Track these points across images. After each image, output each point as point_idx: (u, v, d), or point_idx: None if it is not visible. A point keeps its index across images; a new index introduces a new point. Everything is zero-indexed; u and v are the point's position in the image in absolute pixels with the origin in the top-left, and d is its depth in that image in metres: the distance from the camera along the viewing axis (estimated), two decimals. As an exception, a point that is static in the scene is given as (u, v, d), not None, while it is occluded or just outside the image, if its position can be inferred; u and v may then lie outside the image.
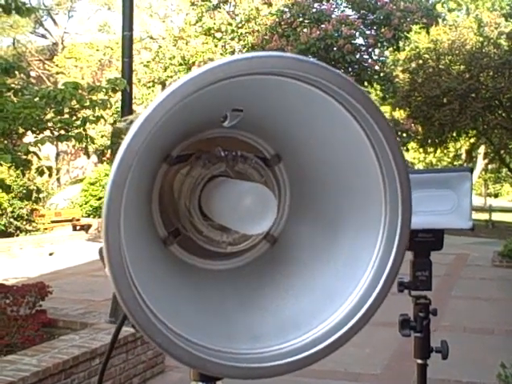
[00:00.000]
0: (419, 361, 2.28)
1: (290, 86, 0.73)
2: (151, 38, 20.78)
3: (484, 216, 23.14)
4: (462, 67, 19.33)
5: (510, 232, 13.69)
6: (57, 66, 23.07)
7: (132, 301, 0.64)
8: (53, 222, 17.23)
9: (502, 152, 24.01)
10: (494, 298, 8.87)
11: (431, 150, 23.95)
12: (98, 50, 23.17)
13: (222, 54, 17.68)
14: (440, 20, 21.27)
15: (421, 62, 19.93)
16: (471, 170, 2.07)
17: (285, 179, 0.89)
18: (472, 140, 25.84)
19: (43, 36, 27.71)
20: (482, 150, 28.58)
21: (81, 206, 18.78)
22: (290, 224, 0.88)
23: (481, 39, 19.38)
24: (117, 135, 0.98)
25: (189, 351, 0.68)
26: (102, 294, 8.36)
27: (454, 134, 22.03)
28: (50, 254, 13.87)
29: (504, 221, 22.21)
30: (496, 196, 46.02)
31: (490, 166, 33.47)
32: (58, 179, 22.94)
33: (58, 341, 4.83)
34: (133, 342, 5.10)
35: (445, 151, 25.89)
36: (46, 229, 16.55)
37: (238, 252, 0.87)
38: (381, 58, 17.76)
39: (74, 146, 19.81)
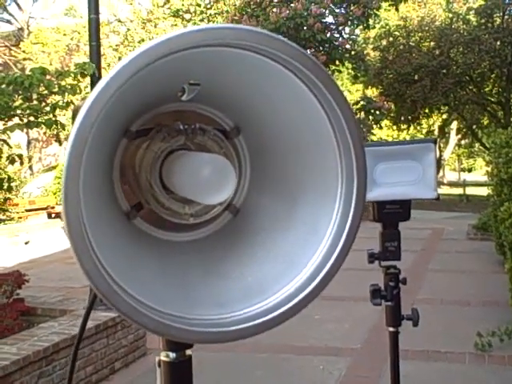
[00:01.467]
0: (391, 329, 2.33)
1: (247, 58, 0.74)
2: (119, 21, 20.48)
3: (458, 191, 23.45)
4: (432, 44, 19.47)
5: (484, 205, 13.87)
6: (23, 52, 22.64)
7: (94, 271, 0.65)
8: (27, 210, 17.06)
9: (474, 127, 24.32)
10: (469, 271, 9.01)
11: (404, 127, 24.15)
12: (65, 35, 22.78)
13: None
14: (409, -4, 21.29)
15: (391, 39, 20.03)
16: (435, 141, 2.11)
17: (245, 151, 0.91)
18: (444, 116, 26.11)
19: (8, 21, 27.14)
20: (454, 125, 28.89)
21: (55, 194, 18.58)
22: (252, 195, 0.90)
23: (450, 15, 19.54)
24: (76, 115, 0.98)
25: (153, 318, 0.69)
26: (80, 281, 8.29)
27: (427, 111, 22.24)
28: (26, 243, 13.74)
29: (478, 195, 22.47)
30: (470, 171, 46.60)
31: (462, 142, 33.85)
32: (31, 167, 22.65)
33: (38, 328, 4.79)
34: (113, 326, 5.09)
35: (418, 128, 26.12)
36: (20, 218, 16.38)
37: (201, 223, 0.88)
38: (351, 37, 17.72)
39: (45, 134, 19.55)
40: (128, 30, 19.18)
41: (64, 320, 5.01)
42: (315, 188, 0.84)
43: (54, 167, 20.89)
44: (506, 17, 19.41)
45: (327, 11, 16.51)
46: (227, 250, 0.88)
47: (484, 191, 17.45)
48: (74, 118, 1.15)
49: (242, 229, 0.90)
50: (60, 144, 18.38)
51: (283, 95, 0.80)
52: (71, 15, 25.82)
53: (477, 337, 5.46)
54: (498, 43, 18.81)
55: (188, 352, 0.83)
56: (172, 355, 0.82)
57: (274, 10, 16.38)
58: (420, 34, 19.84)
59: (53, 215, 17.87)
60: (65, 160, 0.62)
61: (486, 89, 21.57)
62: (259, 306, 0.78)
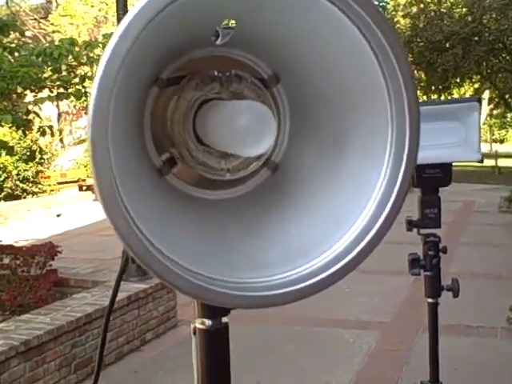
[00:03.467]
0: (430, 300, 2.26)
1: None
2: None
3: (490, 162, 23.05)
4: (464, 10, 19.00)
5: (517, 176, 13.65)
6: (52, 24, 22.70)
7: (126, 229, 0.61)
8: (59, 183, 17.26)
9: (507, 96, 23.75)
10: (501, 244, 8.89)
11: (435, 96, 23.72)
12: (92, 6, 22.76)
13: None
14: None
15: (422, 6, 19.59)
16: (479, 100, 2.01)
17: (284, 101, 0.84)
18: (476, 85, 25.56)
19: (37, -6, 27.20)
20: (486, 95, 28.29)
21: (85, 167, 18.74)
22: (292, 149, 0.84)
23: (483, -20, 18.95)
24: None
25: (189, 280, 0.64)
26: (111, 253, 8.35)
27: (458, 80, 21.79)
28: (58, 216, 13.93)
29: (510, 166, 22.13)
30: (502, 142, 45.72)
31: (495, 112, 33.19)
32: (62, 140, 22.86)
33: (71, 299, 4.87)
34: (144, 297, 5.15)
35: (449, 97, 25.63)
36: (52, 190, 16.58)
37: (239, 180, 0.83)
38: (381, 4, 17.39)
39: (75, 107, 19.69)
40: (155, 0, 19.08)
41: (96, 291, 5.08)
42: (363, 139, 0.77)
43: (84, 140, 21.05)
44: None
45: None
46: (266, 208, 0.82)
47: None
48: None
49: (281, 186, 0.84)
50: (89, 116, 18.47)
51: (328, 36, 0.74)
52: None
53: (509, 311, 5.39)
54: (534, 8, 18.27)
55: (224, 319, 0.78)
56: (208, 322, 0.78)
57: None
58: (452, 0, 19.36)
59: (84, 188, 18.05)
60: (90, 106, 0.57)
61: (521, 57, 21.04)
62: (302, 269, 0.73)
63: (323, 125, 0.82)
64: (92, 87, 0.58)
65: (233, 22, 0.74)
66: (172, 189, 0.80)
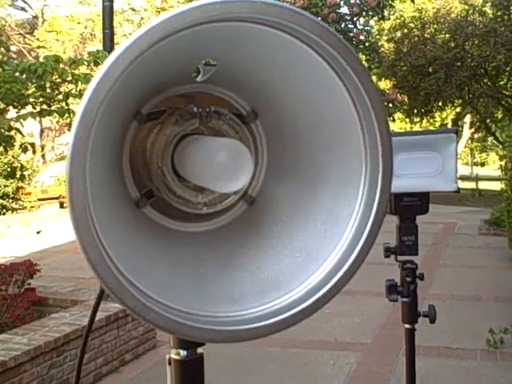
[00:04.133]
0: (407, 325, 2.28)
1: (264, 34, 0.69)
2: (133, 9, 20.44)
3: (471, 185, 23.26)
4: (448, 36, 19.28)
5: (497, 200, 13.77)
6: (38, 39, 22.66)
7: (100, 263, 0.61)
8: (39, 199, 17.10)
9: (488, 121, 24.10)
10: (481, 266, 8.95)
11: (417, 119, 23.98)
12: (79, 23, 22.78)
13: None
14: (425, -12, 21.09)
15: (406, 31, 19.86)
16: (456, 132, 2.04)
17: (262, 136, 0.85)
18: (458, 109, 25.88)
19: (23, 9, 27.14)
20: (467, 119, 28.65)
21: (67, 183, 18.64)
22: (268, 183, 0.85)
23: (466, 7, 19.30)
24: None
25: (164, 315, 0.64)
26: (91, 271, 8.31)
27: (440, 104, 22.06)
28: (38, 233, 13.79)
29: (490, 189, 22.32)
30: (482, 165, 46.20)
31: (476, 135, 33.57)
32: (43, 156, 22.72)
33: (49, 319, 4.81)
34: (123, 317, 5.09)
35: (431, 121, 25.92)
36: (32, 207, 16.43)
37: (215, 213, 0.84)
38: (366, 28, 17.61)
39: (58, 122, 19.60)
40: (142, 18, 19.14)
41: (75, 311, 5.02)
42: (337, 175, 0.78)
43: (66, 156, 20.90)
44: (522, 9, 19.18)
45: (342, 1, 16.39)
46: (242, 241, 0.83)
47: (496, 186, 17.33)
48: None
49: (257, 219, 0.85)
50: (72, 133, 18.39)
51: (304, 75, 0.75)
52: (86, 3, 25.76)
53: (489, 333, 5.42)
54: (514, 36, 18.59)
55: (199, 350, 0.79)
56: (183, 353, 0.78)
57: None
58: (435, 26, 19.63)
59: (65, 205, 17.90)
60: (69, 142, 0.58)
61: (501, 82, 21.33)
62: (275, 303, 0.73)
63: (298, 162, 0.83)
64: (74, 121, 0.59)
65: (213, 60, 0.75)
66: (148, 221, 0.81)
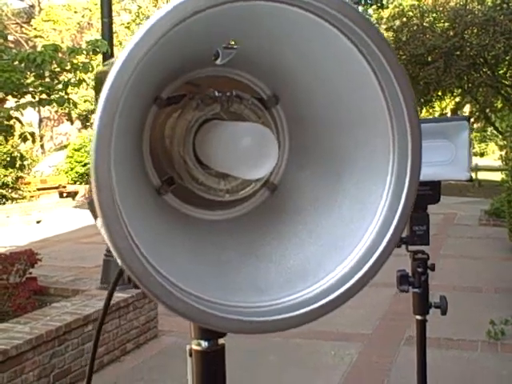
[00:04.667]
0: (418, 317, 2.26)
1: (286, 13, 0.66)
2: (130, -2, 20.37)
3: (470, 175, 23.20)
4: (447, 24, 19.21)
5: (497, 191, 13.77)
6: (35, 29, 22.54)
7: (127, 250, 0.59)
8: (39, 189, 17.10)
9: (488, 110, 24.05)
10: (481, 257, 8.96)
11: (417, 109, 23.89)
12: (76, 12, 22.66)
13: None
14: (424, -23, 21.01)
15: (405, 19, 19.77)
16: (468, 120, 2.01)
17: (283, 121, 0.83)
18: (457, 99, 25.85)
19: (20, -2, 26.99)
20: (467, 108, 28.61)
21: (66, 173, 18.62)
22: (291, 169, 0.83)
23: (465, -5, 19.21)
24: (101, 81, 0.93)
25: (190, 304, 0.63)
26: (91, 261, 8.34)
27: (440, 93, 22.00)
28: (38, 222, 13.79)
29: (490, 179, 22.29)
30: (482, 155, 46.13)
31: (475, 125, 33.57)
32: (42, 146, 22.68)
33: (50, 308, 4.80)
34: (125, 307, 5.09)
35: (430, 111, 25.88)
36: (32, 196, 16.42)
37: (237, 201, 0.82)
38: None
39: (56, 112, 19.55)
40: (139, 7, 19.05)
41: (76, 300, 5.02)
42: (363, 163, 0.76)
43: (65, 146, 20.90)
44: (522, -2, 19.12)
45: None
46: (266, 230, 0.81)
47: (496, 176, 17.33)
48: (97, 83, 1.08)
49: (280, 207, 0.83)
50: (72, 123, 18.36)
51: (328, 58, 0.73)
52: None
53: (489, 325, 5.43)
54: (514, 25, 18.54)
55: (221, 341, 0.78)
56: (204, 344, 0.77)
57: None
58: (434, 15, 19.56)
59: (64, 194, 17.91)
60: (94, 128, 0.56)
61: (501, 71, 21.28)
62: (302, 293, 0.71)
63: (321, 147, 0.81)
64: (96, 111, 0.57)
65: (233, 42, 0.73)
66: (170, 209, 0.79)
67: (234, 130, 0.70)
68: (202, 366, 0.77)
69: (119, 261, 0.59)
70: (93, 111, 17.18)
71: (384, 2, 18.56)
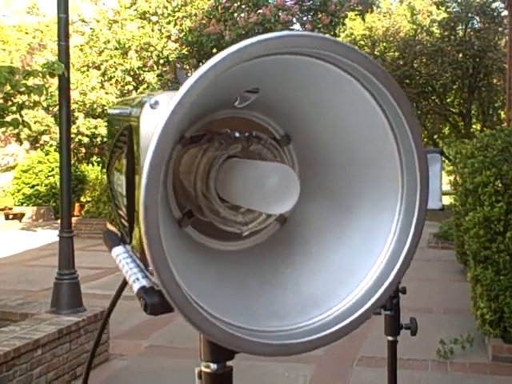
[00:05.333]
0: (390, 338, 2.32)
1: (307, 64, 0.72)
2: (83, 21, 20.22)
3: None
4: (397, 54, 19.73)
5: (444, 214, 14.09)
6: (-16, 49, 22.15)
7: (170, 281, 0.64)
8: (-16, 211, 16.64)
9: (436, 137, 24.70)
10: (430, 279, 9.14)
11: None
12: (27, 33, 22.39)
13: (158, 39, 17.40)
14: (375, 7, 21.60)
15: (356, 48, 20.18)
16: (441, 152, 2.10)
17: (294, 159, 0.89)
18: (406, 125, 26.44)
19: (-31, 18, 26.48)
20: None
21: (13, 195, 18.21)
22: (300, 203, 0.87)
23: (414, 27, 19.81)
24: (113, 125, 0.97)
25: (224, 330, 0.68)
26: (39, 284, 8.15)
27: (390, 120, 22.46)
28: (-17, 245, 13.39)
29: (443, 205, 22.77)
30: (428, 180, 47.20)
31: (422, 151, 34.32)
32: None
33: (-2, 332, 4.66)
34: (76, 331, 4.99)
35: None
36: (-23, 218, 15.97)
37: (250, 232, 0.87)
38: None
39: (3, 133, 19.15)
40: (93, 30, 18.94)
41: (25, 324, 4.89)
42: (372, 199, 0.82)
43: (12, 167, 20.46)
44: (468, 30, 19.83)
45: (295, 18, 16.61)
46: (279, 260, 0.86)
47: (444, 200, 17.73)
48: (109, 126, 1.10)
49: (291, 238, 0.88)
50: (20, 143, 18.02)
51: (341, 103, 0.79)
52: (34, 13, 25.39)
53: (439, 344, 5.53)
54: (460, 55, 19.20)
55: (229, 363, 0.82)
56: (213, 366, 0.80)
57: (242, 14, 16.39)
58: (385, 44, 20.08)
59: (10, 216, 17.49)
60: (144, 173, 0.61)
61: (448, 100, 21.98)
62: (317, 319, 0.76)
63: (331, 187, 0.87)
64: (146, 158, 0.62)
65: (254, 88, 0.78)
66: (190, 240, 0.84)
67: (259, 168, 0.76)
68: None
69: (162, 288, 0.64)
70: (43, 132, 16.91)
71: (337, 31, 18.96)
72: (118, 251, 0.81)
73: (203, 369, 0.81)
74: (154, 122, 0.64)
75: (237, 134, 0.81)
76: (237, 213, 0.82)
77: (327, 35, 0.70)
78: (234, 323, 0.70)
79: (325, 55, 0.70)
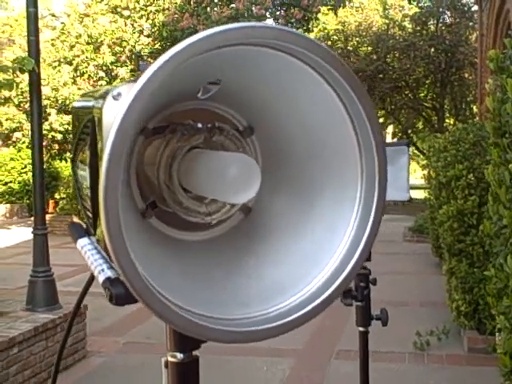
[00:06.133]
0: (361, 328, 2.35)
1: (266, 56, 0.73)
2: (53, 15, 19.96)
3: (392, 193, 23.87)
4: (370, 49, 19.85)
5: (419, 208, 14.25)
6: (-48, 45, 21.75)
7: (130, 268, 0.64)
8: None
9: (410, 131, 24.94)
10: (407, 272, 9.24)
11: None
12: (-5, 28, 22.06)
13: (131, 34, 17.25)
14: (347, 2, 21.69)
15: (329, 43, 20.28)
16: (408, 144, 2.14)
17: (257, 150, 0.90)
18: (381, 120, 26.68)
19: None
20: (390, 129, 29.55)
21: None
22: (264, 194, 0.89)
23: (386, 21, 19.93)
24: (77, 118, 0.97)
25: (187, 318, 0.68)
26: (14, 282, 8.06)
27: (363, 114, 22.60)
28: (-45, 243, 13.17)
29: (413, 198, 23.07)
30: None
31: (396, 145, 34.62)
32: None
33: (-27, 331, 4.59)
34: (52, 328, 4.95)
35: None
36: None
37: (213, 224, 0.88)
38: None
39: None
40: (63, 24, 18.69)
41: (1, 322, 4.84)
42: (333, 189, 0.83)
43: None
44: (439, 25, 20.01)
45: (268, 13, 16.59)
46: (243, 249, 0.88)
47: (417, 194, 17.92)
48: (74, 120, 1.08)
49: (255, 228, 0.89)
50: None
51: (302, 94, 0.80)
52: (2, 8, 25.01)
53: (415, 336, 5.59)
54: (433, 50, 19.37)
55: (195, 353, 0.82)
56: (180, 356, 0.81)
57: (215, 9, 16.33)
58: (358, 39, 20.18)
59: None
60: (104, 164, 0.61)
61: (421, 94, 22.18)
62: (280, 306, 0.78)
63: (293, 177, 0.88)
64: (105, 149, 0.62)
65: (217, 79, 0.79)
66: (154, 230, 0.84)
67: (221, 159, 0.77)
68: (177, 376, 0.81)
69: (123, 278, 0.64)
70: (15, 129, 16.67)
71: (310, 25, 19.00)
72: (83, 243, 0.82)
73: (169, 358, 0.81)
74: (116, 114, 0.64)
75: (199, 125, 0.82)
76: (200, 203, 0.83)
77: (287, 27, 0.71)
78: (198, 312, 0.71)
79: (286, 47, 0.71)
